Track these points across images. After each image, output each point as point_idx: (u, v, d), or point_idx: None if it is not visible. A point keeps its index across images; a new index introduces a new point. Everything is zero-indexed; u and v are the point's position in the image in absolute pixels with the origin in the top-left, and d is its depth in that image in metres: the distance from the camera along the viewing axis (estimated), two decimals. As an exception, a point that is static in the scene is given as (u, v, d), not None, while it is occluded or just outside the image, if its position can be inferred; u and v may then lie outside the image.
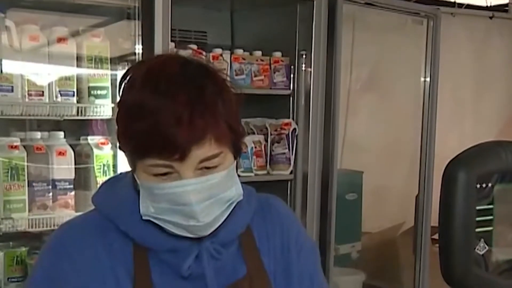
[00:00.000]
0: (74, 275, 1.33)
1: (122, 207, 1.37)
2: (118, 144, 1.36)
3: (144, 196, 1.32)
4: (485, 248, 1.98)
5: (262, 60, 3.23)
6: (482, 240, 1.97)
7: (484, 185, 1.94)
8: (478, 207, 1.95)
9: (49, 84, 2.62)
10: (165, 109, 1.25)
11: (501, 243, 2.01)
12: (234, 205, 1.36)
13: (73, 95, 2.66)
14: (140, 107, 1.27)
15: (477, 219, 1.95)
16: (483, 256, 1.98)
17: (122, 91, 1.33)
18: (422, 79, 3.84)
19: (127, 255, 1.35)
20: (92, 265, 1.34)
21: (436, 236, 4.51)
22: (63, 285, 1.33)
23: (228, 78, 1.37)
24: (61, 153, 2.66)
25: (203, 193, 1.28)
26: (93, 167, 2.73)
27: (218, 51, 3.07)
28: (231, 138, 1.32)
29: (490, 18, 5.28)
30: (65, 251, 1.35)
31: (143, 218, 1.33)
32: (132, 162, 1.33)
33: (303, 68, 3.23)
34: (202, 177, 1.28)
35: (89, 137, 2.79)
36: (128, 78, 1.33)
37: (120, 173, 1.49)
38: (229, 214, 1.38)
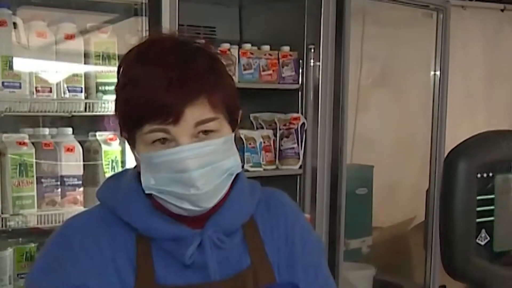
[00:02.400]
0: (74, 267, 1.34)
1: (125, 198, 1.38)
2: (121, 133, 1.38)
3: (145, 169, 1.33)
4: (486, 238, 1.97)
5: (270, 55, 3.23)
6: (483, 230, 1.96)
7: (484, 175, 1.93)
8: (478, 197, 1.94)
9: (57, 81, 2.62)
10: (155, 75, 1.27)
11: (502, 233, 2.00)
12: (233, 176, 1.36)
13: (81, 91, 2.67)
14: (132, 78, 1.30)
15: (478, 209, 1.94)
16: (484, 246, 1.97)
17: (118, 68, 1.37)
18: (432, 72, 3.81)
19: (129, 247, 1.36)
20: (93, 257, 1.35)
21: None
22: (63, 276, 1.34)
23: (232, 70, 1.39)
24: (69, 149, 2.67)
25: (200, 159, 1.29)
26: (102, 163, 2.74)
27: (226, 46, 3.07)
28: (226, 107, 1.34)
29: (502, 10, 5.23)
30: (66, 243, 1.37)
31: (146, 192, 1.33)
32: (131, 137, 1.34)
33: (312, 63, 3.22)
34: (199, 142, 1.29)
35: (97, 133, 2.80)
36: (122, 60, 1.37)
37: (124, 169, 1.51)
38: (232, 203, 1.39)
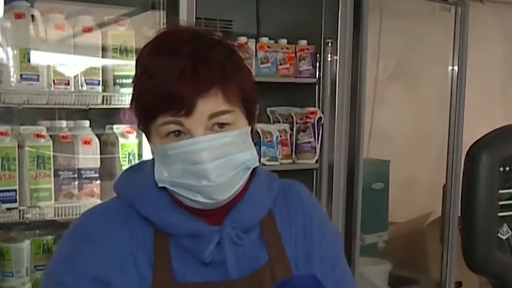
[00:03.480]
0: (94, 260, 1.34)
1: (143, 193, 1.37)
2: (138, 126, 1.37)
3: (159, 162, 1.33)
4: (509, 232, 1.95)
5: (287, 48, 3.22)
6: (505, 224, 1.94)
7: (507, 168, 1.91)
8: (501, 191, 1.92)
9: (74, 73, 2.62)
10: (169, 65, 1.26)
11: (525, 227, 1.98)
12: (250, 170, 1.35)
13: (99, 84, 2.67)
14: (146, 69, 1.29)
15: (500, 203, 1.92)
16: (507, 241, 1.95)
17: (136, 61, 1.36)
18: (450, 67, 3.79)
19: (147, 242, 1.36)
20: (112, 251, 1.34)
21: (464, 226, 4.47)
22: (82, 269, 1.34)
23: (249, 64, 1.38)
24: (86, 142, 2.67)
25: (214, 151, 1.27)
26: (119, 156, 2.75)
27: (244, 39, 3.06)
28: (242, 99, 1.32)
29: (521, 5, 5.20)
30: (86, 236, 1.36)
31: (159, 185, 1.33)
32: (147, 130, 1.34)
33: (329, 57, 3.21)
34: (213, 134, 1.28)
35: (114, 126, 2.80)
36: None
37: (141, 161, 1.50)
38: (250, 199, 1.38)
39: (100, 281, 1.33)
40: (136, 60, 1.36)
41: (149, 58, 1.32)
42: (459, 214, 3.81)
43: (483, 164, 1.87)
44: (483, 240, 1.90)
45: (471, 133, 3.95)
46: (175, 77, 1.25)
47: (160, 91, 1.26)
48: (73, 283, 1.33)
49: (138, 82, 1.32)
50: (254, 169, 1.38)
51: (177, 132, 1.28)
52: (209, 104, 1.26)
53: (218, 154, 1.28)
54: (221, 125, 1.29)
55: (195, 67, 1.25)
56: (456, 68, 3.76)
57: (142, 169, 1.43)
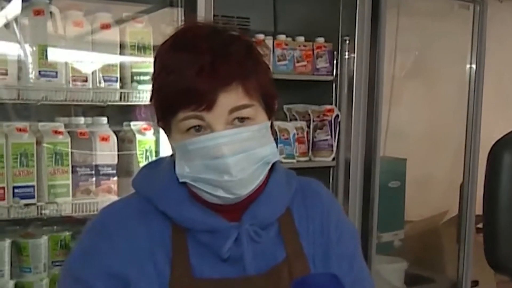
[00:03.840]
0: (111, 256, 1.34)
1: (162, 188, 1.38)
2: (157, 122, 1.38)
3: (180, 157, 1.33)
4: (532, 231, 1.93)
5: (304, 46, 3.21)
6: (529, 223, 1.92)
7: (531, 167, 1.89)
8: (524, 190, 1.90)
9: (92, 70, 2.63)
10: (188, 61, 1.26)
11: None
12: (269, 165, 1.35)
13: (116, 81, 2.68)
14: (165, 66, 1.30)
15: (523, 201, 1.90)
16: (530, 240, 1.93)
17: (154, 58, 1.37)
18: (468, 65, 3.77)
19: (165, 238, 1.36)
20: (131, 247, 1.35)
21: (480, 225, 4.45)
22: (99, 264, 1.34)
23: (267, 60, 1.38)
24: (104, 139, 2.68)
25: (235, 145, 1.27)
26: (136, 152, 2.75)
27: (261, 36, 3.06)
28: (261, 94, 1.32)
29: (539, 3, 5.16)
30: (105, 231, 1.37)
31: (180, 180, 1.33)
32: (167, 126, 1.34)
33: (346, 54, 3.20)
34: (234, 129, 1.28)
35: (131, 123, 2.81)
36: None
37: (159, 158, 1.50)
38: (268, 196, 1.38)
39: (117, 277, 1.33)
40: (155, 57, 1.37)
41: (168, 54, 1.32)
42: (476, 213, 3.82)
43: (506, 162, 1.85)
44: (505, 238, 1.89)
45: (488, 131, 3.95)
46: (195, 72, 1.25)
47: (181, 86, 1.26)
48: (90, 278, 1.34)
49: (158, 78, 1.32)
50: (273, 165, 1.38)
51: (197, 127, 1.28)
52: (230, 99, 1.27)
53: (239, 149, 1.28)
54: (241, 120, 1.29)
55: (214, 63, 1.26)
56: (474, 66, 3.74)
57: (161, 165, 1.44)
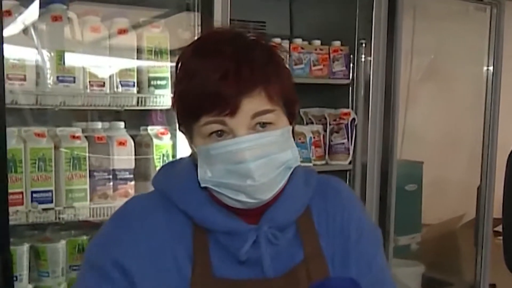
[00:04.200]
0: (132, 246, 1.35)
1: (182, 187, 1.38)
2: (177, 126, 1.38)
3: (202, 162, 1.33)
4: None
5: (321, 49, 3.21)
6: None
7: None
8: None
9: (110, 75, 2.64)
10: (211, 66, 1.26)
11: None
12: (291, 170, 1.35)
13: (134, 86, 2.69)
14: (188, 71, 1.30)
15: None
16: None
17: (176, 64, 1.37)
18: (485, 68, 3.76)
19: (186, 235, 1.36)
20: (152, 241, 1.35)
21: (498, 228, 4.43)
22: (118, 254, 1.35)
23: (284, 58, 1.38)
24: (121, 143, 2.69)
25: (257, 150, 1.27)
26: (153, 157, 2.76)
27: (277, 40, 3.06)
28: (283, 99, 1.32)
29: (556, 5, 5.11)
30: (126, 222, 1.38)
31: (202, 185, 1.33)
32: (189, 131, 1.34)
33: (363, 58, 3.20)
34: (256, 134, 1.28)
35: (148, 127, 2.82)
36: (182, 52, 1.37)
37: (180, 158, 1.50)
38: (286, 198, 1.37)
39: (124, 269, 1.33)
40: (177, 62, 1.37)
41: (191, 59, 1.32)
42: (494, 216, 3.80)
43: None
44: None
45: (505, 134, 3.93)
46: (218, 77, 1.25)
47: (203, 91, 1.26)
48: (106, 266, 1.34)
49: (180, 83, 1.32)
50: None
51: (219, 132, 1.29)
52: (253, 104, 1.27)
53: (261, 154, 1.28)
54: (263, 125, 1.29)
55: (238, 68, 1.26)
56: (491, 68, 3.73)
57: (180, 165, 1.44)
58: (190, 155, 1.40)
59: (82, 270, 1.41)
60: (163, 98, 2.70)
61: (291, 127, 1.36)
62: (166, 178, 1.43)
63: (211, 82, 1.25)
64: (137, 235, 1.35)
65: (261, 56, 1.30)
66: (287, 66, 1.39)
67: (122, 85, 2.66)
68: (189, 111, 1.30)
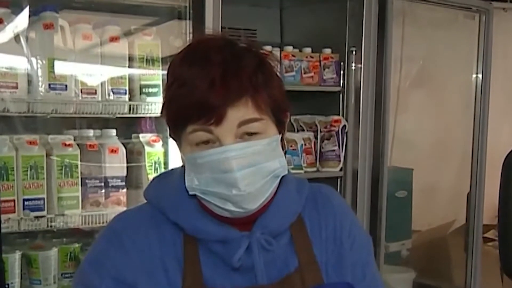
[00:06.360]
0: (124, 263, 1.34)
1: (173, 198, 1.38)
2: (169, 134, 1.38)
3: (189, 170, 1.33)
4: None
5: (311, 57, 3.22)
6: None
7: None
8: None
9: (101, 83, 2.64)
10: (199, 74, 1.26)
11: None
12: (279, 178, 1.34)
13: (125, 93, 2.69)
14: (177, 78, 1.30)
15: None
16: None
17: (167, 71, 1.37)
18: (474, 75, 3.78)
19: (177, 247, 1.36)
20: (143, 255, 1.35)
21: (487, 235, 4.45)
22: (110, 271, 1.34)
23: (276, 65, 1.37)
24: (113, 151, 2.69)
25: (243, 159, 1.27)
26: (145, 164, 2.76)
27: (268, 48, 3.07)
28: (272, 108, 1.32)
29: (544, 12, 5.16)
30: (117, 239, 1.37)
31: (189, 193, 1.33)
32: (177, 138, 1.35)
33: (353, 65, 3.21)
34: (243, 143, 1.28)
35: (140, 135, 2.82)
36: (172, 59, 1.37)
37: (171, 169, 1.50)
38: (278, 204, 1.38)
39: (125, 284, 1.33)
40: (168, 69, 1.37)
41: (179, 67, 1.32)
42: (484, 222, 3.82)
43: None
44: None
45: (494, 140, 3.96)
46: (205, 86, 1.25)
47: (190, 100, 1.26)
48: (100, 284, 1.34)
49: (169, 90, 1.32)
50: (283, 176, 1.37)
51: (207, 141, 1.28)
52: (239, 113, 1.26)
53: (248, 163, 1.27)
54: (251, 134, 1.29)
55: (225, 77, 1.25)
56: (480, 75, 3.75)
57: (172, 176, 1.44)
58: (182, 166, 1.40)
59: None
60: (155, 106, 2.70)
61: (279, 136, 1.36)
62: (157, 190, 1.44)
63: (198, 91, 1.25)
64: (128, 250, 1.35)
65: (250, 65, 1.29)
66: (278, 74, 1.39)
67: (113, 93, 2.66)
68: (176, 119, 1.31)
